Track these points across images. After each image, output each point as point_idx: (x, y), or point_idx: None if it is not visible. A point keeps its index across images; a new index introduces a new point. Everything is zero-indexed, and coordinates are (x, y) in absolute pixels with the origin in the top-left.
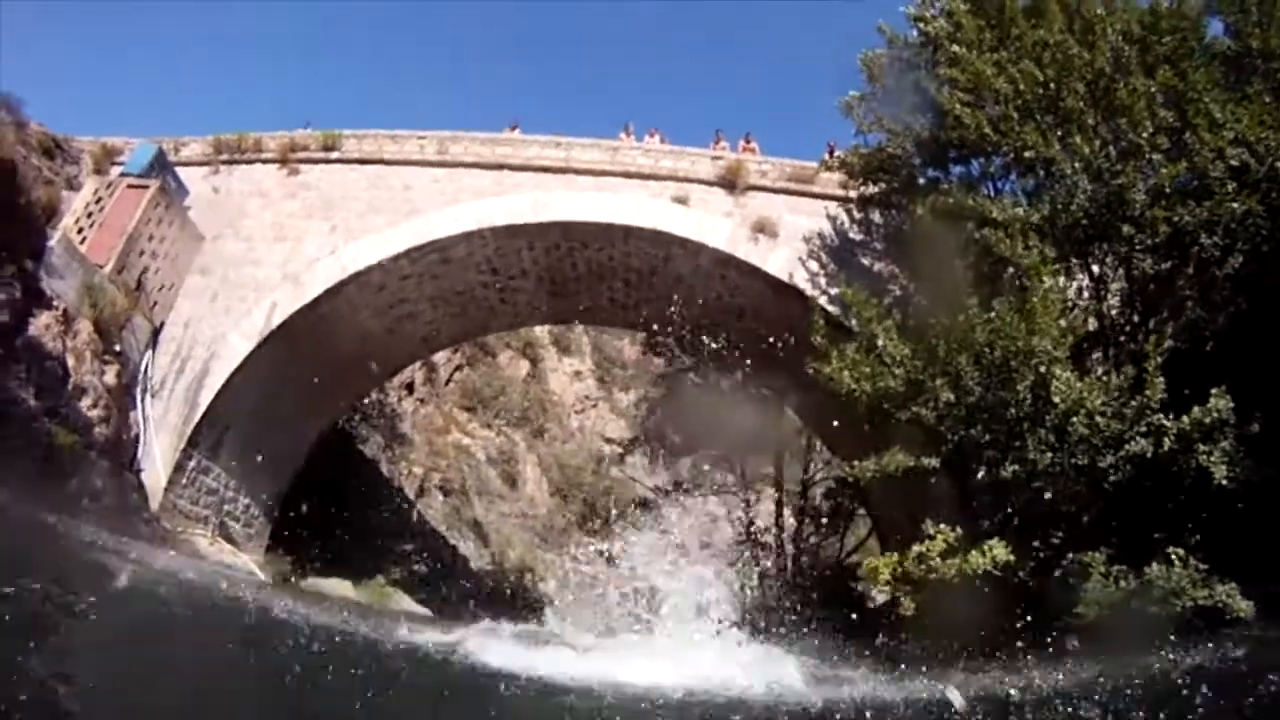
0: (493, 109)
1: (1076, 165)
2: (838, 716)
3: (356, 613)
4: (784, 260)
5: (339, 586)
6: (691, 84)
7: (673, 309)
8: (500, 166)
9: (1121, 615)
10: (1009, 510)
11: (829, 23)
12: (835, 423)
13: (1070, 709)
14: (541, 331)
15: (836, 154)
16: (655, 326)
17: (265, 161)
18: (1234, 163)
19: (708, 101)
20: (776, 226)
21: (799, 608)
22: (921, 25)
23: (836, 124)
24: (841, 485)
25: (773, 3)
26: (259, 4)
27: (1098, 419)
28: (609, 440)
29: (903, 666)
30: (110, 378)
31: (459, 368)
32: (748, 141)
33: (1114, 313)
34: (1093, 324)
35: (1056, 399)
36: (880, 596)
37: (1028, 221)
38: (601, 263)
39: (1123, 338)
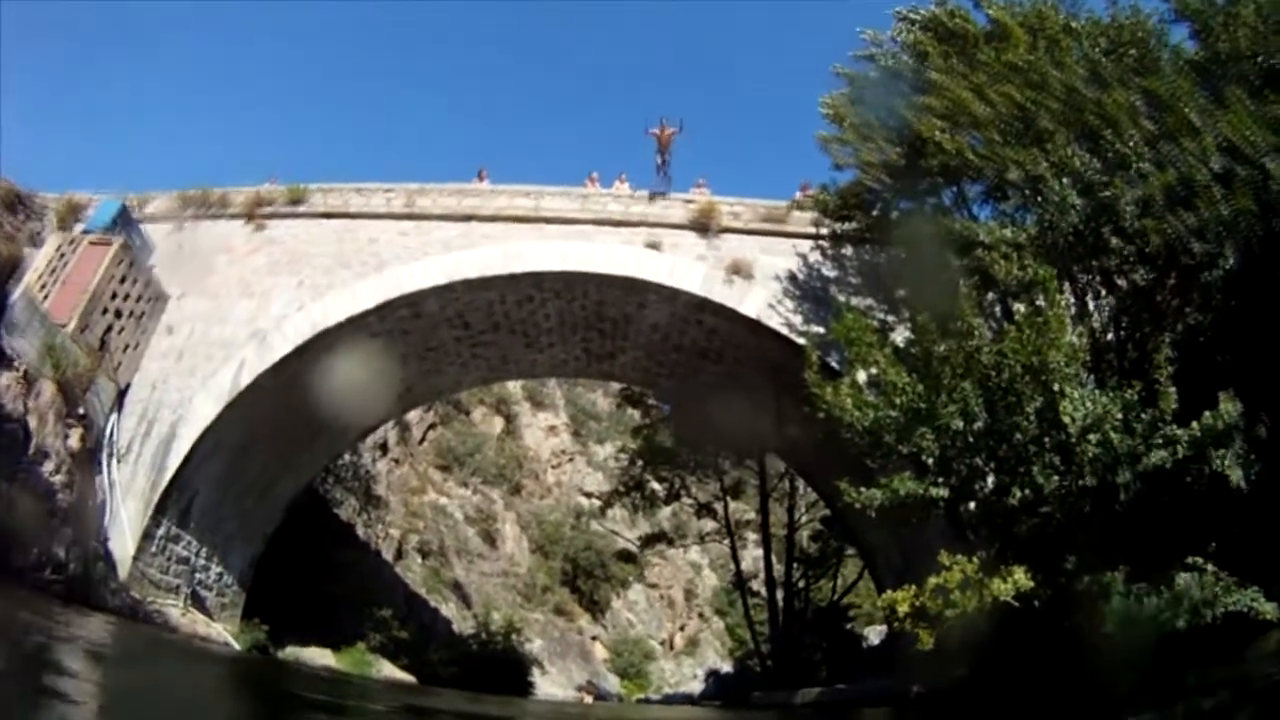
0: (457, 156)
1: (1065, 181)
2: None
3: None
4: (760, 301)
5: (319, 655)
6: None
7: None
8: (469, 218)
9: (1148, 631)
10: (1013, 539)
11: (775, 64)
12: (822, 462)
13: None
14: (515, 386)
15: (809, 191)
16: (630, 376)
17: (231, 217)
18: (1216, 168)
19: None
20: (752, 268)
21: (795, 652)
22: (879, 61)
23: (793, 161)
24: (829, 525)
25: (717, 45)
26: (224, 55)
27: (1112, 435)
28: (587, 494)
29: None
30: (74, 441)
31: (432, 426)
32: (700, 185)
33: (1097, 328)
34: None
35: (1065, 419)
36: (874, 637)
37: (1015, 242)
38: (574, 313)
39: (1115, 352)
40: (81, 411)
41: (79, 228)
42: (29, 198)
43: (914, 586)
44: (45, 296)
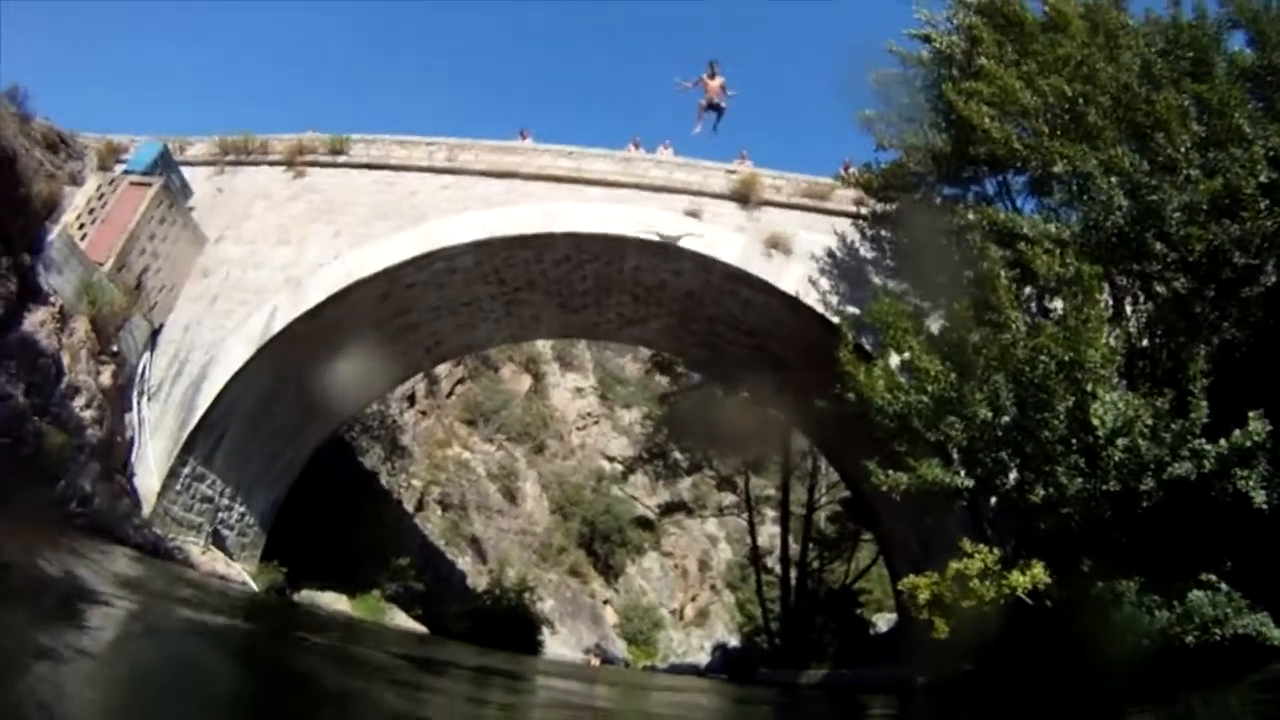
0: (498, 118)
1: (1113, 180)
2: None
3: None
4: (798, 277)
5: (335, 600)
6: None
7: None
8: (510, 175)
9: (1156, 643)
10: (1031, 536)
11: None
12: (847, 444)
13: None
14: (545, 346)
15: (852, 170)
16: (662, 343)
17: (271, 164)
18: (1263, 179)
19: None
20: (790, 243)
21: (803, 633)
22: (932, 42)
23: (835, 140)
24: (849, 508)
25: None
26: (269, 7)
27: (1140, 442)
28: (610, 458)
29: None
30: (106, 378)
31: (461, 380)
32: (742, 156)
33: (1133, 333)
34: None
35: (1095, 421)
36: (883, 624)
37: (1058, 238)
38: (610, 276)
39: (1149, 359)
40: (115, 349)
41: (119, 168)
42: (70, 138)
43: (935, 574)
44: (84, 236)
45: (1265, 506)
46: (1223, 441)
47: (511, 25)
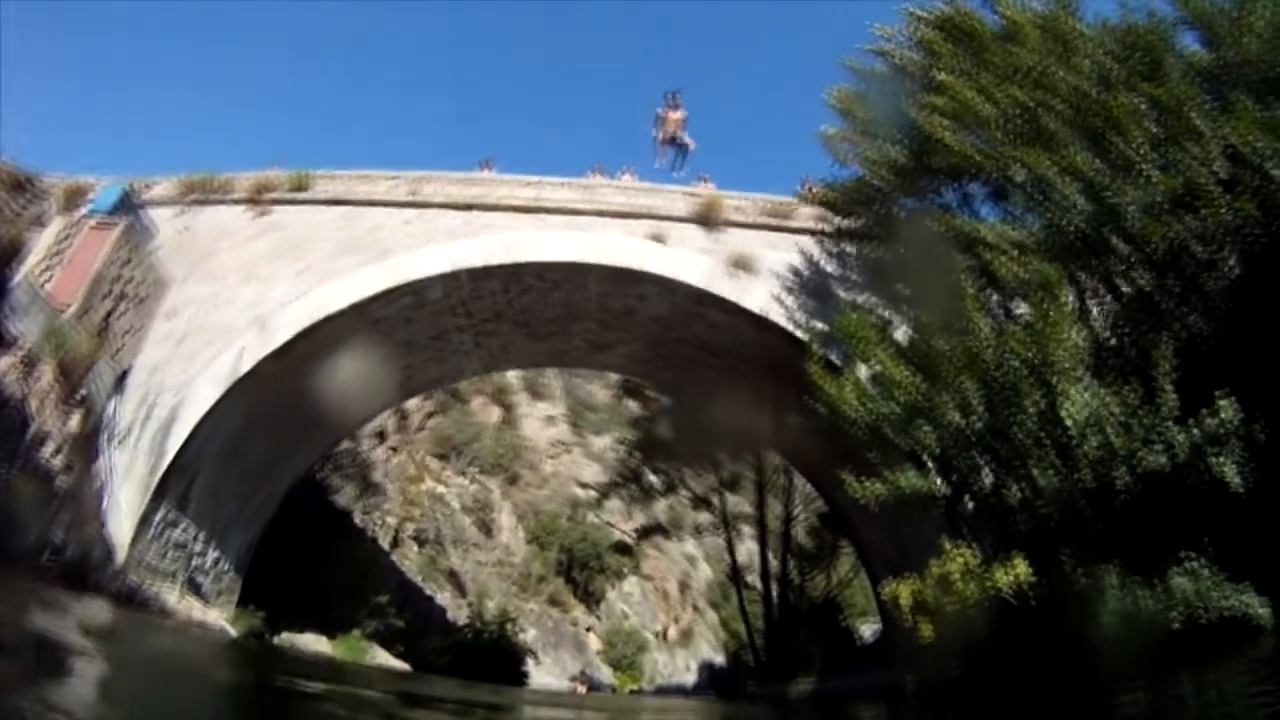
0: (463, 150)
1: (1070, 182)
2: None
3: None
4: (763, 296)
5: (315, 642)
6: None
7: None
8: (472, 207)
9: (1143, 629)
10: (1010, 536)
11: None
12: (820, 457)
13: None
14: (513, 377)
15: (811, 187)
16: (631, 368)
17: (234, 202)
18: (1220, 172)
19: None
20: (755, 262)
21: (788, 646)
22: (890, 57)
23: (793, 159)
24: (825, 520)
25: (725, 48)
26: (232, 44)
27: (1111, 435)
28: (584, 485)
29: None
30: (73, 424)
31: (431, 414)
32: (703, 179)
33: (1098, 329)
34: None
35: (1065, 418)
36: (867, 632)
37: (1020, 242)
38: (576, 304)
39: (1116, 354)
40: (82, 395)
41: (82, 211)
42: (33, 180)
43: (916, 578)
44: (48, 279)
45: (1240, 487)
46: (1193, 426)
47: (475, 57)
